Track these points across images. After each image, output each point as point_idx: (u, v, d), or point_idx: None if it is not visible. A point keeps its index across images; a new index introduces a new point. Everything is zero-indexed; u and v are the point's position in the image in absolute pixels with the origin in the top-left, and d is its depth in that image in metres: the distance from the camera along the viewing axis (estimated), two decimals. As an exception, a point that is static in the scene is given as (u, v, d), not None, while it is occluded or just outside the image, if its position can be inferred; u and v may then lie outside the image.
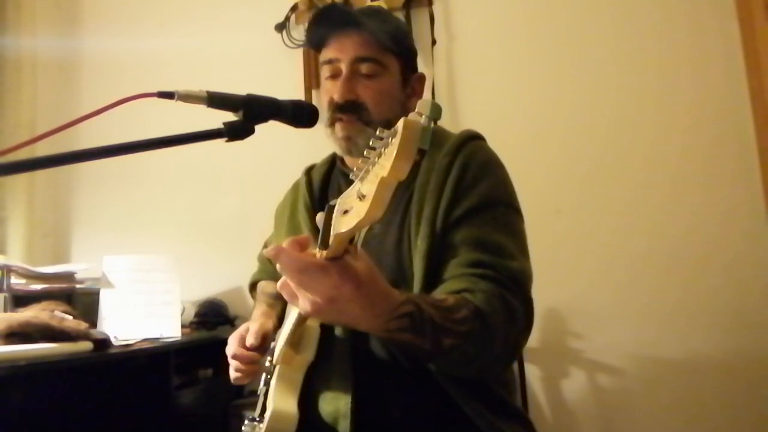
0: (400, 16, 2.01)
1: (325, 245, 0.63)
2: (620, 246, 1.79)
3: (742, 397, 1.65)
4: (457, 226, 0.94)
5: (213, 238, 2.17)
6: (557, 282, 1.79)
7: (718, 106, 1.76)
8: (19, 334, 1.29)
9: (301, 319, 0.88)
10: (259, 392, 1.12)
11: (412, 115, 0.51)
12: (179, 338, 1.70)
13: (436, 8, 2.03)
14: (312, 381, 0.98)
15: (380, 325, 0.73)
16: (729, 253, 1.70)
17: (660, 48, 1.83)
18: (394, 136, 0.51)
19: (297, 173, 1.29)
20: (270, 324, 1.09)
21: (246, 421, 1.05)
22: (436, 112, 0.52)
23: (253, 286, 1.36)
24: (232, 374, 1.05)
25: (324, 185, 1.18)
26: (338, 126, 1.05)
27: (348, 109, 1.04)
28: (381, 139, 0.53)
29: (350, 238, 0.63)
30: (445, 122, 1.85)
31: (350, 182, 0.76)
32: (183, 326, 1.77)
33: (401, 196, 1.02)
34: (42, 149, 0.87)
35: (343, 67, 1.05)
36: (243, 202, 2.14)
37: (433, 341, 0.78)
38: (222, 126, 0.81)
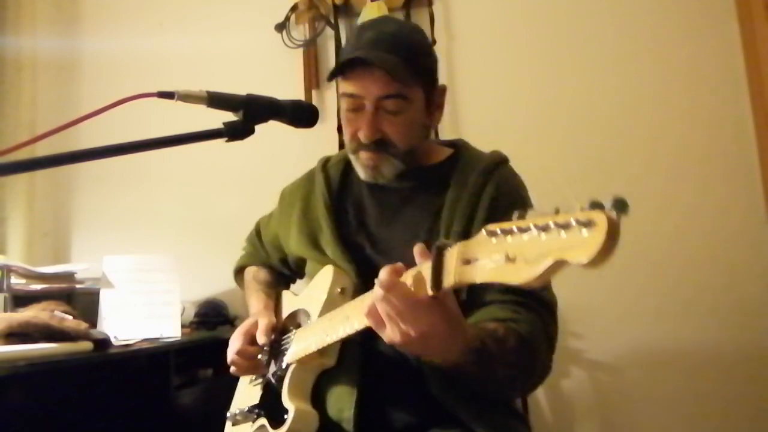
0: (400, 16, 2.00)
1: (437, 288, 0.67)
2: (620, 246, 1.79)
3: (743, 398, 1.65)
4: None
5: (213, 238, 2.17)
6: (557, 282, 1.76)
7: (718, 106, 1.76)
8: (19, 334, 1.28)
9: (354, 334, 0.87)
10: (251, 383, 1.14)
11: (609, 213, 0.50)
12: (179, 338, 1.70)
13: (436, 8, 2.03)
14: (319, 381, 1.00)
15: (453, 360, 0.80)
16: (728, 253, 1.70)
17: (659, 48, 1.83)
18: (587, 226, 0.50)
19: (296, 173, 1.29)
20: (275, 319, 1.14)
21: (236, 413, 1.05)
22: (625, 208, 0.52)
23: (239, 270, 1.36)
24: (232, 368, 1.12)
25: (342, 186, 1.17)
26: (363, 155, 1.05)
27: (374, 148, 1.03)
28: (559, 220, 0.51)
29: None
30: (445, 122, 1.85)
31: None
32: (183, 326, 1.77)
33: (429, 207, 1.04)
34: (42, 149, 0.87)
35: (367, 104, 1.01)
36: (243, 202, 2.13)
37: (491, 372, 0.84)
38: (222, 126, 0.81)
